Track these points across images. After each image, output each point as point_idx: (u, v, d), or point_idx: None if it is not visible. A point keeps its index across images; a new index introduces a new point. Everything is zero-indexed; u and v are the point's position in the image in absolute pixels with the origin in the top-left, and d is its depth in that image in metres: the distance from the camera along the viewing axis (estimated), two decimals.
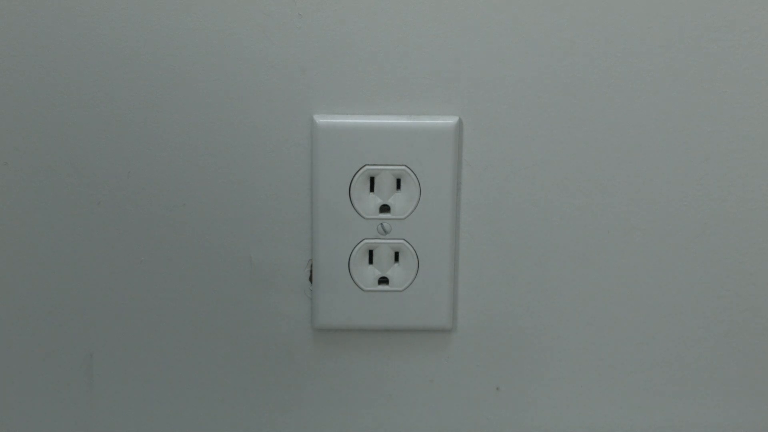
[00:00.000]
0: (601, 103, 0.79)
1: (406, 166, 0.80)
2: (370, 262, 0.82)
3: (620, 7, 0.77)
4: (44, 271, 0.82)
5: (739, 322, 0.84)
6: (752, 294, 0.84)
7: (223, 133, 0.80)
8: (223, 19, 0.77)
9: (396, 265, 0.82)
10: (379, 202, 0.81)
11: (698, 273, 0.83)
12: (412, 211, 0.81)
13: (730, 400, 0.86)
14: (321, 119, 0.79)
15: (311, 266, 0.82)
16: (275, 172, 0.81)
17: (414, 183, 0.80)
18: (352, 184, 0.80)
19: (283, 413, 0.86)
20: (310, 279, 0.83)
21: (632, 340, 0.84)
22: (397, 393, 0.85)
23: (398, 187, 0.80)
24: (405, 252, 0.82)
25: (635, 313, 0.84)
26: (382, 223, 0.81)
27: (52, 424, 0.86)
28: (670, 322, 0.84)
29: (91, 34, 0.77)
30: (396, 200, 0.81)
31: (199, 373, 0.85)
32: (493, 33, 0.78)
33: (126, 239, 0.82)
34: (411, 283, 0.82)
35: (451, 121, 0.79)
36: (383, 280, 0.82)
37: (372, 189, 0.80)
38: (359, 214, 0.81)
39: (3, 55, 0.78)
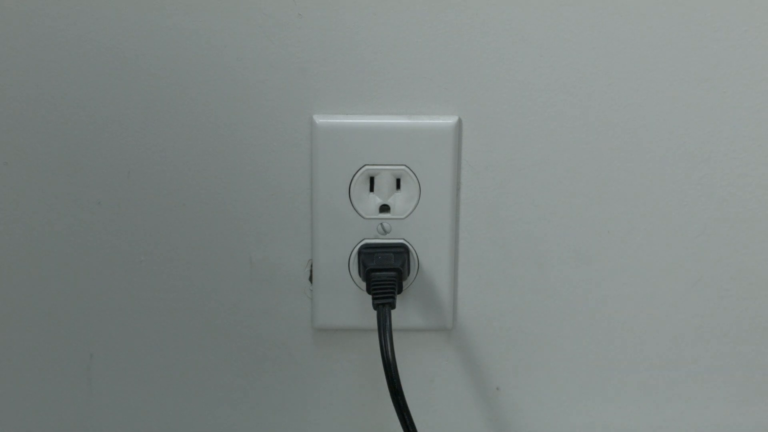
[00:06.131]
0: (601, 103, 0.79)
1: (405, 165, 0.80)
2: None
3: (620, 7, 0.77)
4: (44, 271, 0.82)
5: (739, 322, 0.84)
6: (752, 294, 0.84)
7: (222, 133, 0.80)
8: (223, 20, 0.77)
9: None
10: (379, 202, 0.81)
11: (698, 273, 0.83)
12: (412, 211, 0.81)
13: (730, 400, 0.86)
14: (321, 119, 0.79)
15: (311, 266, 0.82)
16: (275, 172, 0.81)
17: (414, 183, 0.80)
18: (352, 184, 0.80)
19: (283, 413, 0.86)
20: (310, 279, 0.83)
21: (632, 340, 0.84)
22: None
23: (398, 186, 0.81)
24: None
25: (635, 313, 0.84)
26: (382, 223, 0.81)
27: (51, 424, 0.86)
28: (670, 322, 0.84)
29: (91, 34, 0.77)
30: (396, 200, 0.81)
31: (199, 373, 0.85)
32: (493, 33, 0.78)
33: (126, 239, 0.82)
34: (411, 282, 0.82)
35: (450, 120, 0.79)
36: None
37: (372, 189, 0.81)
38: (359, 214, 0.81)
39: (3, 55, 0.78)
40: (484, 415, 0.86)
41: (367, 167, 0.80)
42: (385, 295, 0.79)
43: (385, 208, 0.81)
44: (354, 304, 0.83)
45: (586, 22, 0.78)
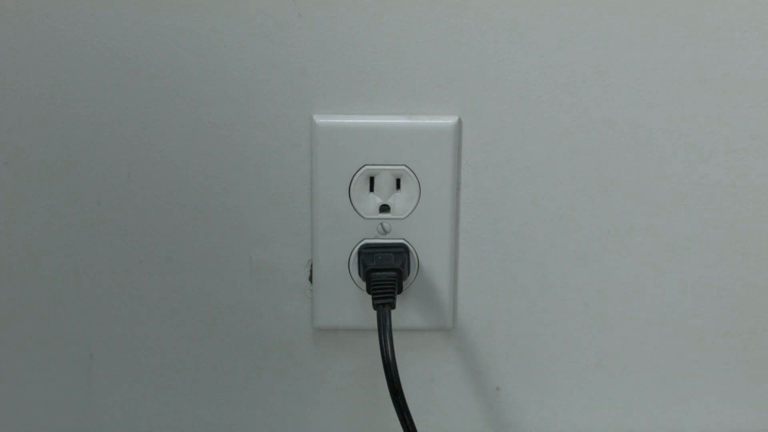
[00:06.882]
0: (601, 103, 0.79)
1: (405, 165, 0.80)
2: None
3: (620, 7, 0.77)
4: (44, 271, 0.82)
5: (739, 322, 0.84)
6: (752, 294, 0.84)
7: (223, 133, 0.80)
8: (223, 20, 0.77)
9: None
10: (379, 202, 0.81)
11: (698, 273, 0.83)
12: (412, 211, 0.81)
13: (730, 400, 0.86)
14: (321, 119, 0.79)
15: (311, 266, 0.82)
16: (275, 172, 0.81)
17: (414, 183, 0.80)
18: (352, 184, 0.80)
19: (283, 413, 0.86)
20: (310, 279, 0.83)
21: (632, 340, 0.84)
22: None
23: (398, 186, 0.81)
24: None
25: (635, 313, 0.84)
26: (382, 223, 0.81)
27: (51, 424, 0.86)
28: (669, 322, 0.84)
29: (91, 34, 0.77)
30: (396, 200, 0.81)
31: (199, 373, 0.85)
32: (493, 33, 0.78)
33: (126, 239, 0.82)
34: (411, 282, 0.82)
35: (450, 120, 0.79)
36: None
37: (372, 189, 0.81)
38: (359, 214, 0.81)
39: (3, 55, 0.78)
40: (484, 415, 0.86)
41: (367, 167, 0.80)
42: (385, 295, 0.79)
43: (385, 208, 0.81)
44: (354, 304, 0.83)
45: (586, 22, 0.78)
